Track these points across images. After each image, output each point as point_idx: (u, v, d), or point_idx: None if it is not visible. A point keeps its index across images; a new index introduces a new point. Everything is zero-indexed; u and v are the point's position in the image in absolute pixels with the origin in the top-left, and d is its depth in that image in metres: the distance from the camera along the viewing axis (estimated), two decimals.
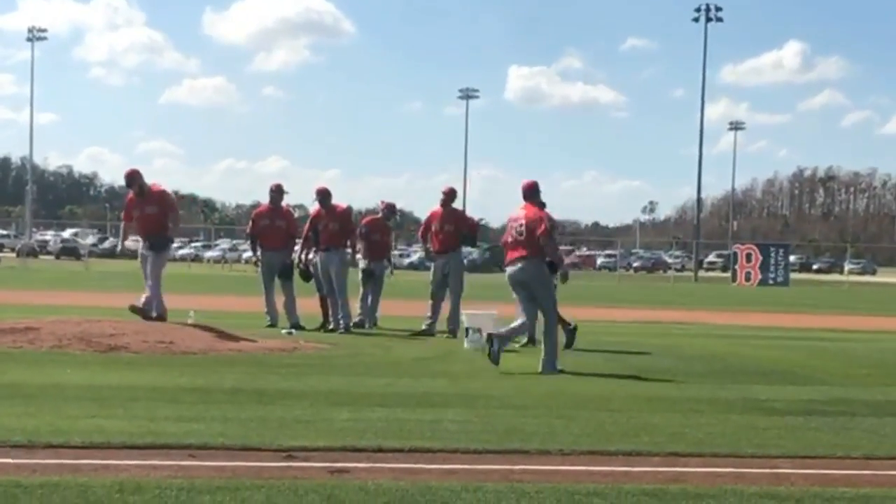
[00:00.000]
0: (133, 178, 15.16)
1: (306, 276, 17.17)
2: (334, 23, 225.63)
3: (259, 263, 17.62)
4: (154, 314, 14.76)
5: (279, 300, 17.25)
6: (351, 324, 16.74)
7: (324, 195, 17.00)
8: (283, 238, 17.16)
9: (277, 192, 17.41)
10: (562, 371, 12.24)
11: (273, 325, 16.99)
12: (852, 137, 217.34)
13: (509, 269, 12.78)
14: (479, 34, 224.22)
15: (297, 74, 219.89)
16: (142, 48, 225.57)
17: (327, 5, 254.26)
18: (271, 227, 17.19)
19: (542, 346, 12.60)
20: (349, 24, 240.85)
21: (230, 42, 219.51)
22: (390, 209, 18.63)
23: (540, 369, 12.29)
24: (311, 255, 17.15)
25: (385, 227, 18.44)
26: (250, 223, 17.75)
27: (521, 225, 12.66)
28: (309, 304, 17.50)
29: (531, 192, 12.95)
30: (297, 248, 17.49)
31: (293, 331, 16.09)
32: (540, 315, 12.79)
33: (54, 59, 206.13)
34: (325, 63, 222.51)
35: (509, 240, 12.78)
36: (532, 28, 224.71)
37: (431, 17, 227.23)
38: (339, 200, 17.45)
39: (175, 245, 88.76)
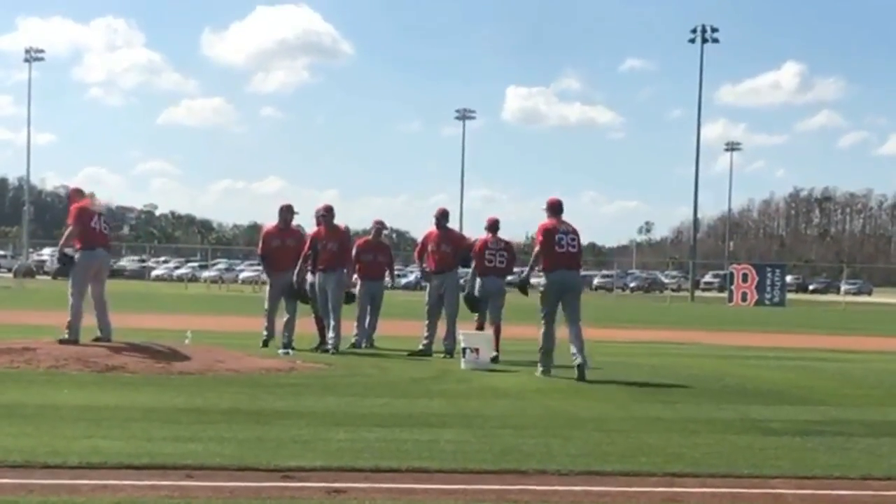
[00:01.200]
0: (69, 198, 15.07)
1: (305, 296, 17.11)
2: (333, 44, 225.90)
3: (269, 282, 17.48)
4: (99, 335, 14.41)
5: (279, 319, 17.15)
6: (340, 345, 16.62)
7: (329, 213, 16.98)
8: (295, 258, 17.09)
9: (288, 211, 17.41)
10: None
11: (267, 341, 16.90)
12: (849, 158, 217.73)
13: (565, 276, 13.98)
14: (477, 55, 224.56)
15: (295, 95, 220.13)
16: (141, 69, 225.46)
17: (326, 26, 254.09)
18: (282, 247, 17.15)
19: (579, 359, 13.58)
20: (347, 45, 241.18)
21: (229, 63, 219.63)
22: (379, 225, 18.70)
23: (580, 376, 13.45)
24: (306, 276, 17.13)
25: (378, 246, 18.43)
26: (261, 243, 17.70)
27: (573, 239, 14.11)
28: (304, 324, 17.43)
29: (562, 208, 14.34)
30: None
31: (290, 351, 16.06)
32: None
33: (53, 79, 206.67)
34: (323, 84, 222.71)
35: (559, 250, 13.94)
36: (530, 49, 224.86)
37: (430, 39, 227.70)
38: (336, 220, 17.46)
39: (168, 268, 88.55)
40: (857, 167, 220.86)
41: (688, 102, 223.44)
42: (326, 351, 16.38)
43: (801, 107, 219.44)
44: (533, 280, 14.77)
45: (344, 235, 17.18)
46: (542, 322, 14.00)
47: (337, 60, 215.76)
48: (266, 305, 17.38)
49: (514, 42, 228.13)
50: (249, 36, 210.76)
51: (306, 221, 18.02)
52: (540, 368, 13.93)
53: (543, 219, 14.34)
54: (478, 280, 16.32)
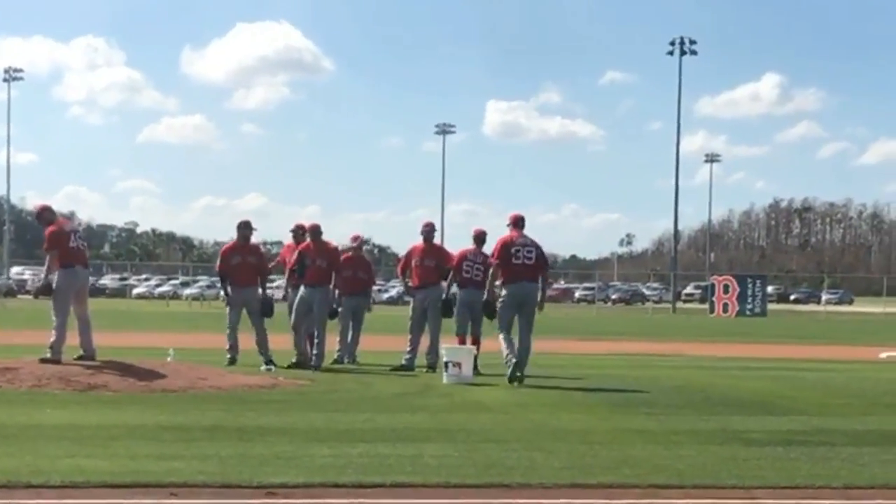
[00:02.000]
0: (38, 216, 14.97)
1: (271, 311, 16.99)
2: (314, 60, 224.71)
3: (229, 301, 17.27)
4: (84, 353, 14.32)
5: (244, 337, 17.01)
6: (322, 363, 16.52)
7: (315, 230, 16.90)
8: (255, 274, 17.02)
9: (247, 228, 17.25)
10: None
11: (234, 362, 16.58)
12: (829, 168, 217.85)
13: (521, 288, 14.59)
14: (457, 70, 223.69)
15: (276, 111, 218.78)
16: (121, 87, 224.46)
17: (306, 42, 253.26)
18: (243, 263, 16.99)
19: (516, 359, 14.40)
20: (328, 61, 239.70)
21: (209, 80, 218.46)
22: (356, 241, 18.70)
23: (513, 378, 14.31)
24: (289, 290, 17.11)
25: (359, 262, 18.36)
26: (219, 261, 17.54)
27: (530, 251, 14.67)
28: (279, 342, 17.23)
29: (524, 223, 14.99)
30: (281, 283, 17.38)
31: (272, 367, 16.01)
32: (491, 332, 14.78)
33: (34, 99, 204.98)
34: (304, 100, 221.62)
35: (516, 262, 14.60)
36: (510, 63, 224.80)
37: (410, 54, 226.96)
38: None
39: (159, 283, 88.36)
40: (837, 177, 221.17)
41: (668, 115, 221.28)
42: (311, 368, 16.27)
43: (780, 118, 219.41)
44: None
45: (333, 253, 17.10)
46: (501, 333, 14.68)
47: (318, 76, 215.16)
48: (227, 324, 17.10)
49: (494, 56, 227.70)
50: (229, 53, 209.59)
51: (287, 238, 17.93)
52: (508, 377, 14.39)
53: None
54: (456, 290, 16.42)
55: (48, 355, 13.99)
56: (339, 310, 17.68)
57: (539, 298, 14.94)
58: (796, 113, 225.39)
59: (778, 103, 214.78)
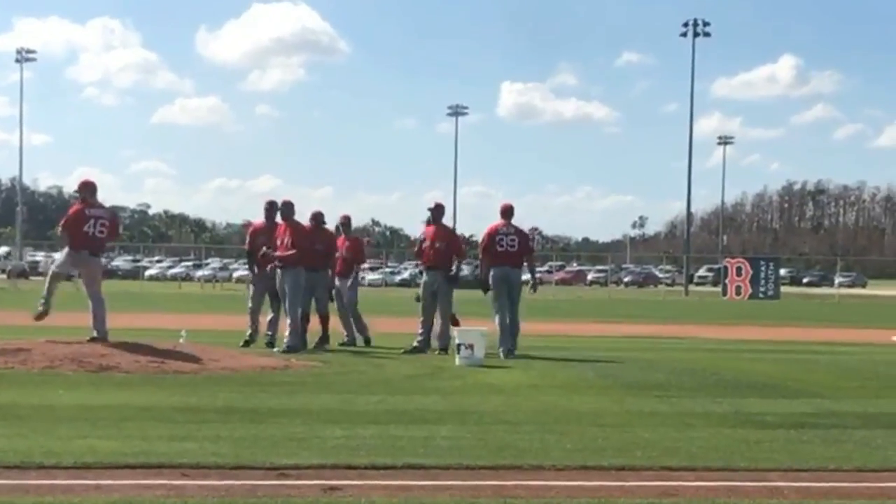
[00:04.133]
0: (78, 188, 15.03)
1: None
2: (329, 42, 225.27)
3: (254, 280, 17.30)
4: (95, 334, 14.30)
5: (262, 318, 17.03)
6: (297, 343, 16.05)
7: (271, 207, 16.64)
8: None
9: (274, 209, 17.25)
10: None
11: (251, 341, 16.71)
12: (844, 151, 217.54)
13: (503, 271, 15.97)
14: (472, 51, 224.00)
15: (290, 93, 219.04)
16: (136, 68, 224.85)
17: (323, 24, 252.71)
18: (268, 244, 16.98)
19: (508, 336, 15.77)
20: (344, 43, 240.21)
21: (224, 61, 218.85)
22: (343, 220, 18.60)
23: (503, 356, 15.42)
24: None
25: (346, 242, 18.13)
26: (248, 240, 17.63)
27: (513, 239, 15.98)
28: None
29: (512, 213, 16.30)
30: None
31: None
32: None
33: (48, 79, 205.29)
34: (319, 82, 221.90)
35: (500, 249, 15.96)
36: (526, 44, 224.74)
37: (427, 35, 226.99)
38: (330, 219, 17.50)
39: (174, 264, 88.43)
40: (852, 160, 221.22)
41: (683, 96, 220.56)
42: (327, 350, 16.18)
43: (796, 100, 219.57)
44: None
45: (297, 231, 16.37)
46: (496, 315, 15.95)
47: (333, 58, 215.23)
48: (249, 304, 17.20)
49: (509, 38, 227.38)
50: (245, 34, 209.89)
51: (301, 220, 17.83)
52: (501, 352, 15.55)
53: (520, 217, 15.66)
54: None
55: (40, 309, 14.69)
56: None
57: (531, 282, 16.92)
58: (812, 95, 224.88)
59: (794, 85, 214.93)
